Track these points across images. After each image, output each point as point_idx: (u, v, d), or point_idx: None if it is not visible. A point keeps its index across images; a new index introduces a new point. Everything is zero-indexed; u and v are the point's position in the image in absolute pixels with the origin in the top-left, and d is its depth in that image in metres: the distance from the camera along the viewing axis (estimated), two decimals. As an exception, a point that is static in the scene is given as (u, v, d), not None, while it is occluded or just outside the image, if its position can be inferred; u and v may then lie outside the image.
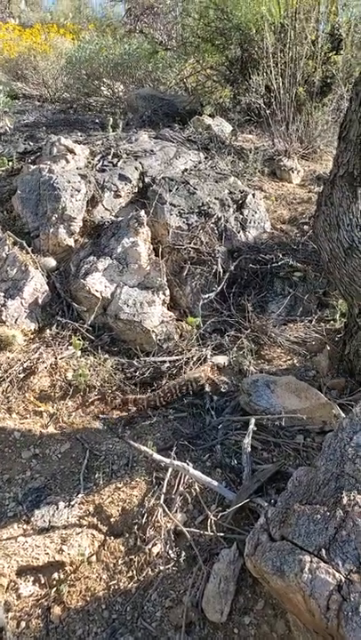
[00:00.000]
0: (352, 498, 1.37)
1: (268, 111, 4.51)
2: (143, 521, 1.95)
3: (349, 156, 2.18)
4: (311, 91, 4.74)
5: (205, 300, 3.09)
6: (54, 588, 1.73)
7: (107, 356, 2.78)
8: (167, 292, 3.08)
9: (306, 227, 3.64)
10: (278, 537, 1.41)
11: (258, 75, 4.91)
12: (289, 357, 2.75)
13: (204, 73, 6.78)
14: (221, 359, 2.74)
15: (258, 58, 5.23)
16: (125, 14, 8.94)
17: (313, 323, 2.99)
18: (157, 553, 1.84)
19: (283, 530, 1.41)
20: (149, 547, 1.86)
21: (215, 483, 1.97)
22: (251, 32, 5.01)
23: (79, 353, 2.70)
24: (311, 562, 1.26)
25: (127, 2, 8.09)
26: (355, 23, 4.92)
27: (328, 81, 5.08)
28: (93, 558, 1.86)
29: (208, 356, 2.72)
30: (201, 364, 2.71)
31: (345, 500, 1.37)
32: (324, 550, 1.28)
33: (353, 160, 2.18)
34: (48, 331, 2.89)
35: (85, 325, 2.93)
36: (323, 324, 2.96)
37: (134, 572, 1.80)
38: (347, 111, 2.17)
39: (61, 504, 2.04)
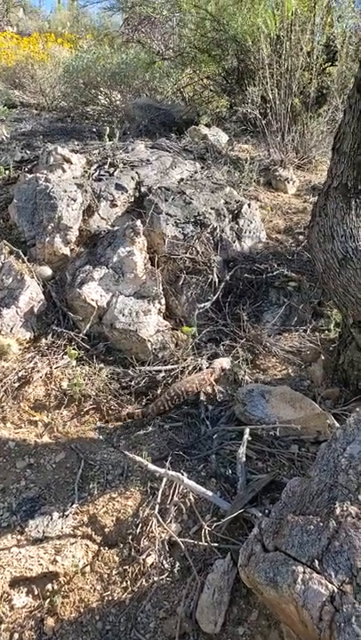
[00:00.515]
0: (345, 508, 1.37)
1: (263, 121, 4.56)
2: (137, 531, 1.95)
3: (343, 167, 2.21)
4: (307, 101, 4.79)
5: (201, 310, 3.10)
6: (48, 600, 1.73)
7: (102, 365, 2.78)
8: (163, 302, 3.09)
9: (301, 237, 3.67)
10: (272, 548, 1.41)
11: (254, 85, 4.97)
12: (284, 367, 2.77)
13: (200, 83, 6.85)
14: (225, 362, 2.76)
15: (254, 69, 5.29)
16: (123, 24, 9.02)
17: (308, 332, 3.01)
18: (152, 563, 1.84)
19: (276, 540, 1.41)
20: (143, 557, 1.85)
21: (210, 493, 1.97)
22: (247, 43, 5.07)
23: (74, 362, 2.70)
24: (304, 573, 1.26)
25: (125, 12, 8.16)
26: (349, 35, 4.98)
27: (323, 92, 5.14)
28: (87, 569, 1.85)
29: (204, 366, 2.73)
30: (197, 372, 2.73)
31: (338, 511, 1.37)
32: (317, 561, 1.29)
33: (347, 172, 2.20)
34: (43, 340, 2.90)
35: (81, 334, 2.93)
36: (317, 334, 2.98)
37: (128, 582, 1.79)
38: (340, 124, 2.20)
39: (55, 514, 2.04)
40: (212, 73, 6.33)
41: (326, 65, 5.26)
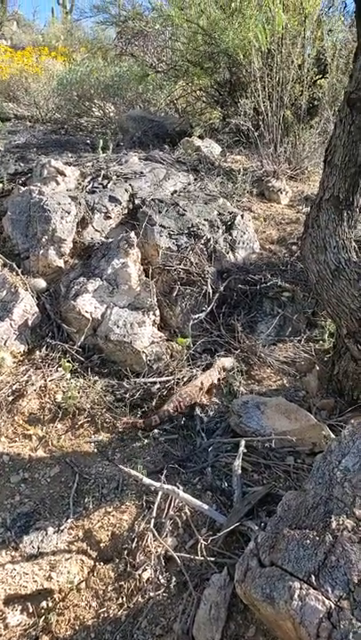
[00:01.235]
0: (341, 522, 1.37)
1: (256, 133, 4.60)
2: (133, 546, 1.93)
3: (335, 180, 2.23)
4: (298, 113, 4.84)
5: (195, 321, 3.10)
6: (42, 617, 1.71)
7: (96, 377, 2.77)
8: (157, 313, 3.09)
9: (294, 247, 3.69)
10: (268, 562, 1.41)
11: (246, 97, 5.02)
12: (279, 378, 2.77)
13: (193, 95, 6.91)
14: (228, 361, 2.79)
15: (246, 81, 5.35)
16: (116, 37, 9.10)
17: (302, 343, 3.01)
18: (147, 579, 1.82)
19: (272, 555, 1.41)
20: (139, 572, 1.84)
21: (205, 506, 1.96)
22: (238, 57, 5.13)
23: (69, 375, 2.69)
24: (301, 588, 1.26)
25: (118, 26, 8.24)
26: (339, 48, 5.05)
27: (315, 104, 5.20)
28: (83, 585, 1.84)
29: (197, 376, 2.73)
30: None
31: (334, 525, 1.37)
32: (313, 576, 1.28)
33: (338, 184, 2.22)
34: (38, 352, 2.89)
35: (75, 347, 2.92)
36: (312, 344, 2.99)
37: (124, 598, 1.78)
38: (331, 137, 2.23)
39: (50, 529, 2.02)
40: (204, 85, 6.40)
41: (317, 77, 5.33)
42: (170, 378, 2.76)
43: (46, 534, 2.00)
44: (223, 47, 5.18)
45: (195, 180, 4.19)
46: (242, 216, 3.68)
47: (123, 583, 1.82)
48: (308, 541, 1.36)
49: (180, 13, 5.34)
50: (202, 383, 2.65)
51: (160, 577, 1.82)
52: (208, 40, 5.36)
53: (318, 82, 5.30)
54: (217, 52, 5.43)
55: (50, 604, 1.75)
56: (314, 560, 1.31)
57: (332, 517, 1.39)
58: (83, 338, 2.96)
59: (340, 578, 1.26)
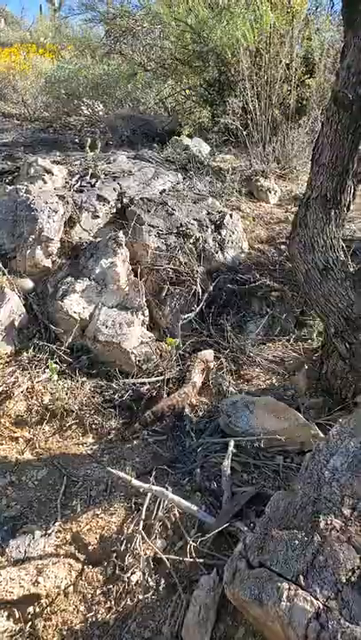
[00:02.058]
0: (329, 522, 1.37)
1: (245, 132, 4.59)
2: (122, 548, 1.91)
3: (322, 179, 2.23)
4: (287, 112, 4.84)
5: (185, 321, 3.09)
6: (29, 623, 1.68)
7: (85, 378, 2.75)
8: (146, 313, 3.07)
9: (283, 246, 3.69)
10: (257, 564, 1.40)
11: (235, 97, 5.01)
12: (268, 377, 2.77)
13: (182, 94, 6.89)
14: (209, 354, 2.84)
15: (235, 80, 5.34)
16: (105, 35, 9.04)
17: (291, 342, 3.01)
18: (136, 581, 1.80)
19: (261, 556, 1.40)
20: (128, 575, 1.82)
21: (194, 507, 1.95)
22: (227, 55, 5.12)
23: (56, 377, 2.66)
24: (289, 589, 1.25)
25: (106, 24, 8.19)
26: (327, 47, 5.06)
27: (303, 103, 5.21)
28: (70, 589, 1.81)
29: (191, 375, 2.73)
30: (180, 384, 2.72)
31: (322, 525, 1.37)
32: (302, 577, 1.27)
33: (326, 183, 2.22)
34: (25, 353, 2.85)
35: (63, 347, 2.89)
36: (301, 343, 2.99)
37: (112, 602, 1.76)
38: (319, 136, 2.22)
39: (38, 533, 1.99)
40: (193, 84, 6.38)
41: (305, 77, 5.34)
42: (159, 378, 2.75)
43: (33, 538, 1.97)
44: (211, 46, 5.16)
45: (184, 179, 4.18)
46: (231, 215, 3.67)
47: (111, 586, 1.80)
48: (296, 542, 1.36)
49: (168, 11, 5.32)
50: (195, 384, 2.65)
51: (149, 579, 1.80)
52: (197, 39, 5.35)
53: (306, 81, 5.30)
54: (205, 50, 5.41)
55: (37, 610, 1.72)
56: (302, 560, 1.31)
57: (321, 517, 1.39)
58: (71, 338, 2.93)
59: (329, 578, 1.25)
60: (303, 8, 4.88)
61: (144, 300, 3.08)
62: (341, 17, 2.28)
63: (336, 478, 1.47)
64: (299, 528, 1.40)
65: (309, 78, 5.34)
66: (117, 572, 1.85)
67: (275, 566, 1.33)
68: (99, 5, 8.13)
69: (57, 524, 2.03)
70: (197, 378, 2.70)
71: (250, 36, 4.50)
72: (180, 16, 5.27)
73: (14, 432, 2.46)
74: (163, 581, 1.80)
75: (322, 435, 2.20)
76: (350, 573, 1.22)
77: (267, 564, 1.35)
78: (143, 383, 2.72)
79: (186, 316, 3.11)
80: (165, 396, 2.62)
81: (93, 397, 2.65)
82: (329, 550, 1.29)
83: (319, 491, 1.47)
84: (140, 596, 1.75)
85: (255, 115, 4.62)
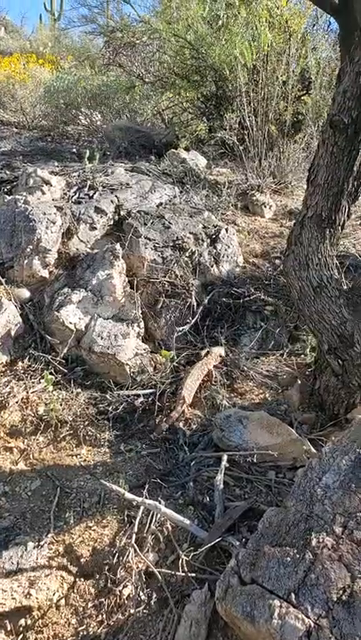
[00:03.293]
0: (321, 540, 1.39)
1: (241, 147, 4.66)
2: (114, 561, 1.92)
3: (318, 198, 2.27)
4: (283, 128, 4.92)
5: (180, 333, 3.11)
6: (21, 636, 1.69)
7: (79, 389, 2.76)
8: (142, 325, 3.10)
9: (278, 261, 3.73)
10: (249, 580, 1.42)
11: (232, 111, 5.08)
12: (261, 391, 2.79)
13: (180, 106, 6.97)
14: (222, 350, 2.98)
15: (232, 95, 5.42)
16: (104, 47, 9.14)
17: (284, 356, 3.05)
18: (128, 595, 1.81)
19: (253, 573, 1.42)
20: (120, 588, 1.83)
21: (187, 521, 1.97)
22: (225, 72, 5.20)
23: (51, 387, 2.67)
24: (281, 607, 1.27)
25: (105, 35, 8.28)
26: (323, 66, 5.16)
27: (299, 119, 5.29)
28: (62, 602, 1.82)
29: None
30: (175, 396, 2.74)
31: (314, 542, 1.39)
32: (293, 594, 1.29)
33: (321, 203, 2.27)
34: (20, 363, 2.86)
35: (58, 358, 2.90)
36: (294, 358, 3.02)
37: (104, 615, 1.77)
38: (315, 157, 2.27)
39: (30, 544, 2.00)
40: (191, 98, 6.46)
41: (301, 94, 5.43)
42: (153, 390, 2.77)
43: (26, 549, 1.98)
44: (210, 62, 5.24)
45: (180, 192, 4.22)
46: (226, 230, 3.71)
47: (103, 600, 1.81)
48: (288, 559, 1.38)
49: (167, 27, 5.39)
50: (199, 377, 2.76)
51: (141, 593, 1.81)
52: (195, 54, 5.43)
53: (302, 98, 5.39)
54: (204, 66, 5.49)
55: (29, 622, 1.73)
56: (294, 578, 1.33)
57: (313, 535, 1.41)
58: (66, 349, 2.95)
59: (320, 596, 1.27)
60: (300, 27, 4.97)
61: (140, 311, 3.11)
62: (339, 41, 2.35)
63: (328, 496, 1.50)
64: (291, 545, 1.43)
65: (305, 95, 5.43)
66: (109, 585, 1.86)
67: (267, 583, 1.35)
68: (98, 18, 8.23)
69: (50, 535, 2.03)
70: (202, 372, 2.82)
71: (248, 55, 4.58)
72: (179, 32, 5.35)
73: (8, 442, 2.46)
74: (154, 595, 1.81)
75: (314, 450, 2.23)
76: (341, 592, 1.25)
77: (259, 581, 1.37)
78: (137, 395, 2.74)
79: (181, 329, 3.13)
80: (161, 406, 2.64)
81: (88, 409, 2.66)
82: (320, 568, 1.31)
83: (311, 508, 1.50)
84: (132, 610, 1.76)
85: (252, 130, 4.69)
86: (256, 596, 1.33)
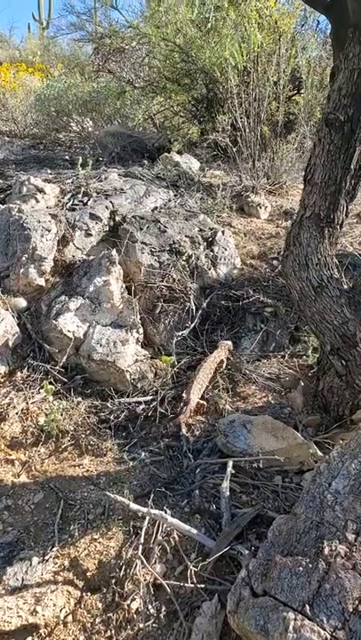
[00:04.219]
0: (333, 548, 1.35)
1: (234, 149, 4.64)
2: (121, 574, 1.88)
3: (315, 198, 2.25)
4: (275, 129, 4.90)
5: (179, 338, 3.08)
6: (28, 655, 1.64)
7: (80, 398, 2.73)
8: (141, 330, 3.06)
9: (275, 262, 3.71)
10: (261, 591, 1.38)
11: (223, 113, 5.07)
12: (264, 394, 2.76)
13: (171, 110, 6.96)
14: (230, 343, 3.01)
15: (223, 97, 5.41)
16: (93, 53, 9.13)
17: (286, 358, 3.01)
18: (137, 609, 1.77)
19: (265, 583, 1.38)
20: (128, 602, 1.78)
21: (194, 530, 1.93)
22: (215, 74, 5.18)
23: (51, 397, 2.63)
24: (295, 619, 1.23)
25: (94, 42, 8.27)
26: (314, 65, 5.15)
27: (291, 119, 5.28)
28: (69, 618, 1.77)
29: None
30: (177, 402, 2.70)
31: (326, 551, 1.35)
32: (308, 606, 1.25)
33: (319, 202, 2.24)
34: (19, 373, 2.83)
35: (57, 367, 2.87)
36: (296, 360, 2.99)
37: (113, 631, 1.72)
38: (311, 156, 2.25)
39: (35, 559, 1.95)
40: (182, 101, 6.45)
41: (293, 94, 5.42)
42: (154, 397, 2.73)
43: (31, 565, 1.93)
44: (200, 65, 5.23)
45: (175, 196, 4.20)
46: (223, 232, 3.69)
47: (111, 614, 1.76)
48: (300, 569, 1.34)
49: (156, 32, 5.38)
50: (211, 369, 2.78)
51: (150, 607, 1.77)
52: (185, 58, 5.41)
53: (294, 98, 5.38)
54: (194, 69, 5.48)
55: (35, 640, 1.69)
56: (308, 589, 1.29)
57: (325, 543, 1.37)
58: (65, 358, 2.91)
59: (336, 607, 1.23)
60: (290, 27, 4.96)
61: (138, 317, 3.07)
62: (330, 39, 2.33)
63: (339, 502, 1.46)
64: (303, 554, 1.39)
65: (297, 95, 5.42)
66: (117, 599, 1.81)
67: (280, 595, 1.31)
68: (87, 25, 8.22)
69: (54, 549, 1.99)
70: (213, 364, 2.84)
71: (238, 57, 4.57)
72: (168, 36, 5.34)
73: (9, 454, 2.42)
74: (163, 608, 1.76)
75: (320, 454, 2.19)
76: (357, 602, 1.21)
77: (271, 592, 1.33)
78: (139, 402, 2.70)
79: (180, 334, 3.10)
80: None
81: (89, 417, 2.62)
82: (335, 578, 1.27)
83: (322, 515, 1.46)
84: (141, 625, 1.72)
85: (244, 131, 4.67)
86: (269, 608, 1.29)
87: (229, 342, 3.02)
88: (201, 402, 2.68)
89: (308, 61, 5.16)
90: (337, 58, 2.18)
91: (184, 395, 2.64)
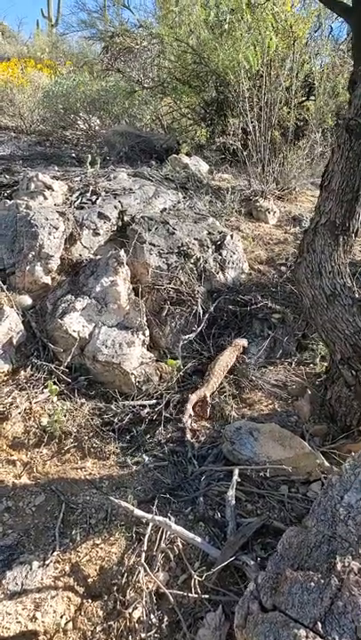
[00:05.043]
0: (346, 564, 1.32)
1: (244, 153, 4.61)
2: (123, 581, 1.84)
3: (331, 205, 2.22)
4: (286, 134, 4.88)
5: (185, 341, 3.05)
6: (27, 663, 1.60)
7: (83, 399, 2.69)
8: (147, 333, 3.03)
9: (283, 268, 3.68)
10: (270, 606, 1.34)
11: (233, 117, 5.05)
12: (270, 402, 2.72)
13: (179, 112, 6.94)
14: (245, 341, 3.04)
15: (234, 101, 5.39)
16: (102, 52, 9.11)
17: (293, 365, 2.98)
18: (138, 618, 1.73)
19: (275, 598, 1.34)
20: (130, 611, 1.75)
21: (199, 539, 1.89)
22: (228, 77, 5.16)
23: (55, 398, 2.60)
24: (307, 637, 1.19)
25: (104, 41, 8.25)
26: (327, 73, 5.13)
27: (302, 125, 5.26)
28: (69, 625, 1.74)
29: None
30: (182, 406, 2.67)
31: (339, 567, 1.32)
32: (319, 623, 1.22)
33: (335, 209, 2.21)
34: (22, 372, 2.79)
35: (62, 367, 2.83)
36: (303, 367, 2.95)
37: (113, 640, 1.69)
38: (329, 162, 2.22)
39: (35, 564, 1.91)
40: (191, 103, 6.43)
41: (304, 100, 5.40)
42: (159, 400, 2.70)
43: (31, 569, 1.90)
44: (212, 67, 5.20)
45: (184, 198, 4.17)
46: (231, 236, 3.66)
47: (112, 623, 1.73)
48: (312, 584, 1.30)
49: (169, 32, 5.36)
50: (227, 364, 2.83)
51: (152, 616, 1.73)
52: (197, 59, 5.39)
53: (305, 104, 5.36)
54: (205, 71, 5.46)
55: (35, 648, 1.65)
56: (319, 605, 1.25)
57: (337, 558, 1.34)
58: (69, 358, 2.87)
59: (348, 625, 1.20)
60: (304, 32, 4.94)
61: (144, 319, 3.04)
62: (350, 45, 2.29)
63: (352, 516, 1.43)
64: (314, 569, 1.35)
65: (308, 101, 5.40)
66: (118, 606, 1.77)
67: (290, 610, 1.28)
68: (98, 23, 8.21)
69: (55, 553, 1.95)
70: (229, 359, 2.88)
71: (253, 60, 4.54)
72: (181, 37, 5.32)
73: (11, 455, 2.38)
74: (166, 618, 1.73)
75: (327, 464, 2.16)
76: (373, 622, 1.18)
77: (281, 608, 1.30)
78: (143, 406, 2.67)
79: (186, 337, 3.06)
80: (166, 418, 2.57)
81: (92, 419, 2.58)
82: (348, 595, 1.24)
83: (334, 529, 1.43)
84: (143, 635, 1.68)
85: (255, 136, 4.65)
86: (280, 624, 1.26)
87: (245, 340, 3.03)
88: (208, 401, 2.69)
89: (322, 67, 5.14)
90: (357, 63, 2.15)
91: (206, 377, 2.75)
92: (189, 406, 2.55)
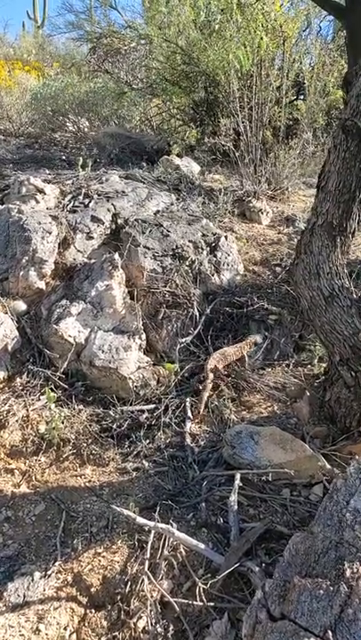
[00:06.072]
0: (355, 570, 1.31)
1: (236, 154, 4.60)
2: (127, 590, 1.82)
3: (328, 206, 2.21)
4: (277, 134, 4.88)
5: (182, 344, 3.03)
6: None
7: (81, 405, 2.66)
8: (143, 337, 3.00)
9: (278, 268, 3.67)
10: (278, 614, 1.33)
11: (224, 117, 5.03)
12: (269, 404, 2.71)
13: (169, 112, 6.91)
14: (258, 337, 3.10)
15: (224, 101, 5.38)
16: (89, 53, 9.06)
17: (291, 367, 2.97)
18: (143, 628, 1.71)
19: (283, 606, 1.33)
20: (134, 620, 1.72)
21: (202, 545, 1.87)
22: (218, 77, 5.15)
23: (52, 405, 2.57)
24: (319, 646, 1.18)
25: (92, 42, 8.19)
26: (317, 72, 5.13)
27: (293, 125, 5.26)
28: (74, 637, 1.71)
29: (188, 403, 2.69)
30: (181, 410, 2.65)
31: (348, 573, 1.30)
32: (330, 632, 1.20)
33: (332, 210, 2.21)
34: (18, 379, 2.76)
35: (58, 373, 2.80)
36: (301, 369, 2.95)
37: (119, 651, 1.66)
38: (325, 162, 2.21)
39: (37, 574, 1.89)
40: (180, 104, 6.41)
41: (295, 99, 5.40)
42: (157, 405, 2.68)
43: (32, 580, 1.87)
44: (202, 67, 5.19)
45: (177, 199, 4.15)
46: (226, 237, 3.64)
47: (117, 633, 1.70)
48: (321, 592, 1.29)
49: (158, 33, 5.33)
50: (235, 352, 2.94)
51: (157, 625, 1.71)
52: (187, 60, 5.37)
53: (296, 103, 5.36)
54: (195, 72, 5.44)
55: (39, 661, 1.62)
56: (329, 613, 1.24)
57: (346, 564, 1.33)
58: (66, 363, 2.84)
59: (359, 633, 1.19)
60: (294, 32, 4.94)
61: (141, 323, 3.01)
62: (346, 46, 2.29)
63: (358, 521, 1.41)
64: (322, 576, 1.34)
65: (299, 100, 5.40)
66: (122, 616, 1.75)
67: (300, 619, 1.26)
68: (85, 24, 8.15)
69: (57, 563, 1.93)
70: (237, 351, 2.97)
71: (244, 60, 4.53)
72: (170, 37, 5.29)
73: (9, 463, 2.35)
74: (171, 627, 1.71)
75: (329, 466, 2.15)
76: (385, 630, 1.16)
77: (291, 616, 1.28)
78: (142, 411, 2.64)
79: (183, 340, 3.05)
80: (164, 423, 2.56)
81: (90, 426, 2.56)
82: (358, 602, 1.23)
83: (341, 534, 1.41)
84: (149, 645, 1.66)
85: (246, 136, 4.64)
86: (290, 633, 1.24)
87: (258, 336, 3.07)
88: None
89: (312, 66, 5.14)
90: (352, 63, 2.14)
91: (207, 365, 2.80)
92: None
